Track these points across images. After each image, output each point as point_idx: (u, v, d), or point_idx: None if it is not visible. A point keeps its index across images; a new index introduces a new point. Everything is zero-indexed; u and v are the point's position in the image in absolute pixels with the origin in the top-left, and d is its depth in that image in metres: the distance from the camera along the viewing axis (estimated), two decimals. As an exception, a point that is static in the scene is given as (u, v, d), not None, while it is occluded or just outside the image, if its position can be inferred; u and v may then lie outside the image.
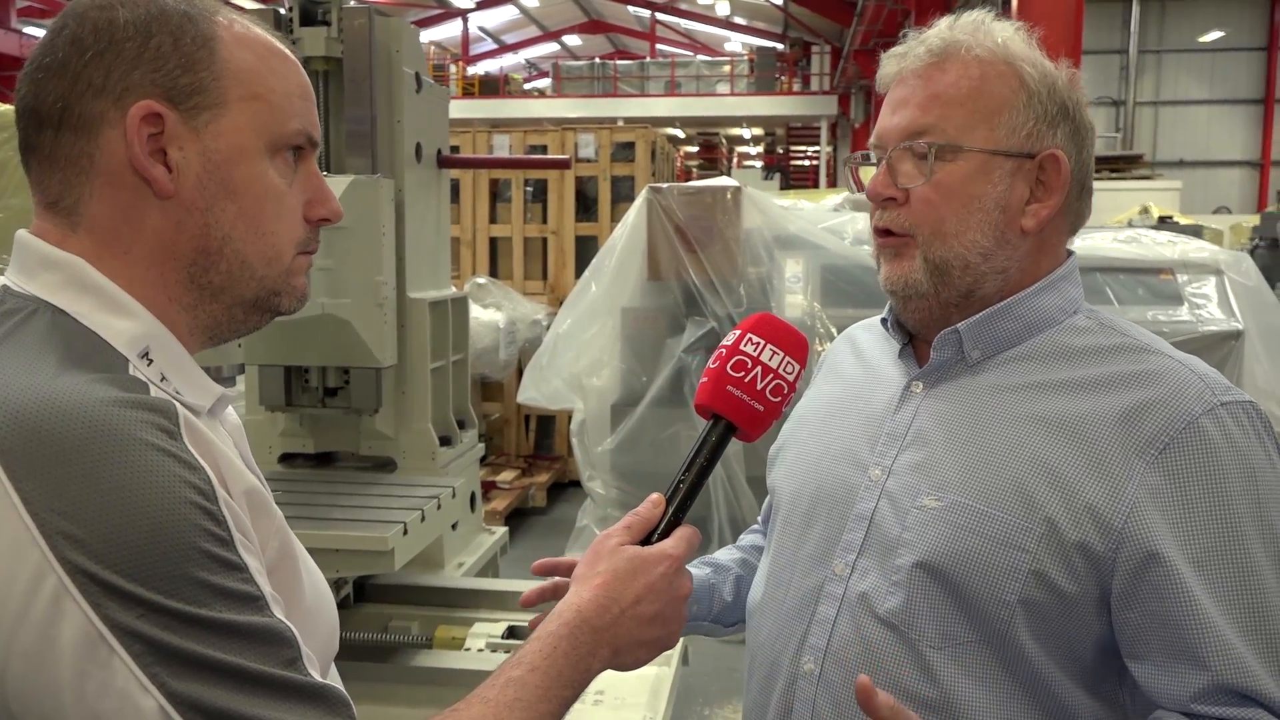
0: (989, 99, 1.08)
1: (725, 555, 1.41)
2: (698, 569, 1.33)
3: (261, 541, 0.80)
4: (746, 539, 1.46)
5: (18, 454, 0.69)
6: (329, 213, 0.92)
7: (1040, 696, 1.04)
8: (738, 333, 1.07)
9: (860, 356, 1.28)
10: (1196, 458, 0.99)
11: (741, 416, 1.03)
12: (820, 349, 4.03)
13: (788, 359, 1.05)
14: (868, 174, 1.15)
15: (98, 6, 0.82)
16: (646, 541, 0.99)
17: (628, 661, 0.94)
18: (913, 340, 1.19)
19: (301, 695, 0.72)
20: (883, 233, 1.14)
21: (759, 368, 1.04)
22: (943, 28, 1.12)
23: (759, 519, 1.47)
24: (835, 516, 1.14)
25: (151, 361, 0.81)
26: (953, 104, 1.08)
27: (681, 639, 2.58)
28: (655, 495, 1.01)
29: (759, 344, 1.05)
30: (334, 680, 0.90)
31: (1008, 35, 1.11)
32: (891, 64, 1.14)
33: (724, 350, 1.06)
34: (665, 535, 0.99)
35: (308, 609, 0.86)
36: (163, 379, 0.81)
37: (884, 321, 1.24)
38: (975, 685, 1.03)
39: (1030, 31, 1.13)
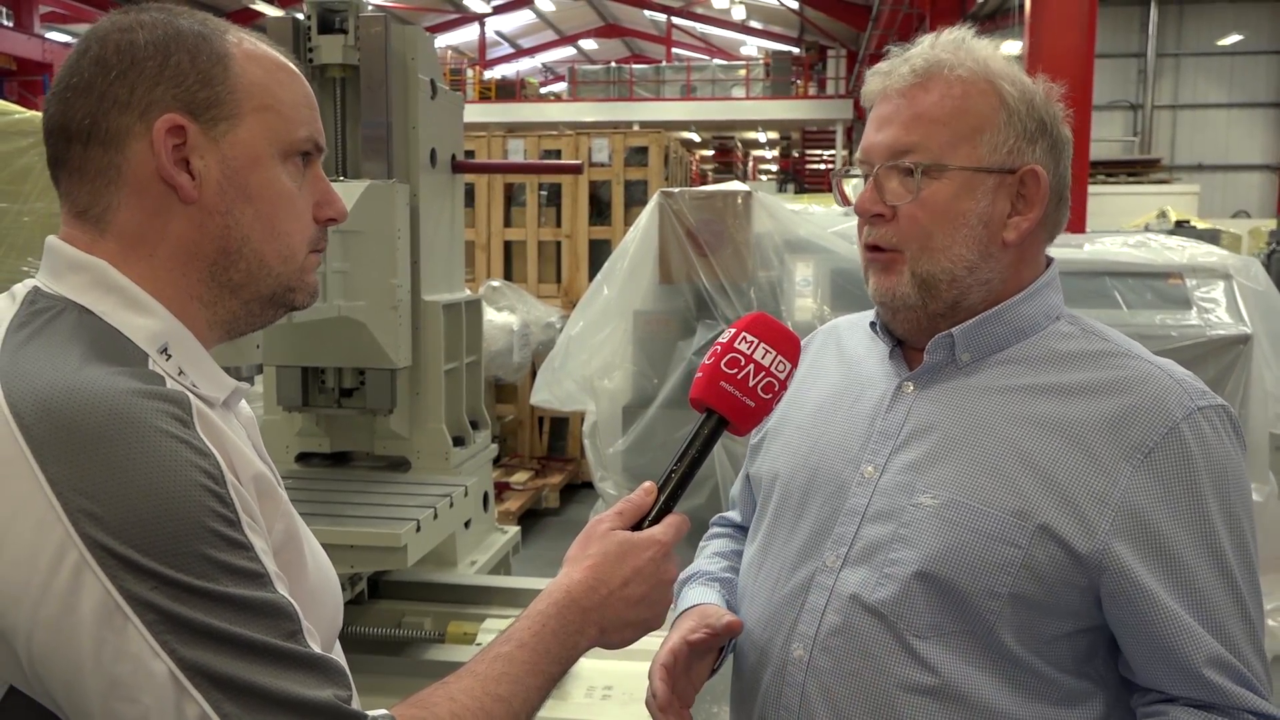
0: (971, 118, 1.13)
1: (717, 568, 1.38)
2: (707, 588, 1.31)
3: (268, 524, 0.86)
4: (726, 546, 1.44)
5: (46, 440, 0.74)
6: (335, 213, 0.98)
7: (1029, 679, 1.08)
8: (733, 330, 1.11)
9: (844, 354, 1.32)
10: (1178, 460, 1.06)
11: (733, 411, 1.08)
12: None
13: (780, 358, 1.09)
14: (848, 184, 1.20)
15: (118, 29, 0.88)
16: (638, 527, 1.03)
17: (615, 640, 0.99)
18: (901, 342, 1.23)
19: (301, 664, 0.77)
20: (871, 249, 1.18)
21: (751, 365, 1.08)
22: (925, 47, 1.16)
23: (734, 509, 1.49)
24: (827, 510, 1.19)
25: (170, 356, 0.87)
26: (936, 123, 1.13)
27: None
28: (648, 483, 1.05)
29: (753, 342, 1.09)
30: (338, 655, 0.95)
31: (988, 54, 1.16)
32: (876, 81, 1.18)
33: (719, 347, 1.10)
34: (656, 522, 1.03)
35: (311, 588, 0.91)
36: (180, 373, 0.87)
37: (873, 325, 1.27)
38: (967, 669, 1.07)
39: (998, 43, 1.18)
